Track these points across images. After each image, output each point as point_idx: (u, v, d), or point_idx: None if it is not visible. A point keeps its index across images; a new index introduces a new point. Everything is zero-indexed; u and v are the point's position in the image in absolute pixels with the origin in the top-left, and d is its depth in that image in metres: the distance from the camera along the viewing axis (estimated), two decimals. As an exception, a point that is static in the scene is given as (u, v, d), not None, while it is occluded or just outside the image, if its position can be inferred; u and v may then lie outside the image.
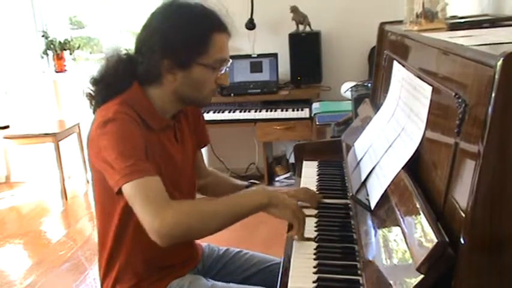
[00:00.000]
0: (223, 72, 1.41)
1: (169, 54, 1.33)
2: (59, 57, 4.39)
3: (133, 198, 1.23)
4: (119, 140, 1.27)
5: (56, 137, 4.05)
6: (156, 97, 1.40)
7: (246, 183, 1.72)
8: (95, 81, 1.43)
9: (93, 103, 1.45)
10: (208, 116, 3.76)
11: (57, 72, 4.43)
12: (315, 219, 1.47)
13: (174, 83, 1.37)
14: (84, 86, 1.45)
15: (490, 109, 0.74)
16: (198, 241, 1.67)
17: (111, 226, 1.43)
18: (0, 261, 3.29)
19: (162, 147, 1.41)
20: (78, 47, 4.50)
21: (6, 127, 4.30)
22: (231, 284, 1.49)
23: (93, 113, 1.43)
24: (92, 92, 1.44)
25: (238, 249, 1.67)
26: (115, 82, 1.39)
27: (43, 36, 4.33)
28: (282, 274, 1.22)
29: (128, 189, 1.23)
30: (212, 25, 1.35)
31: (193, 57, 1.34)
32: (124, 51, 1.44)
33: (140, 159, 1.27)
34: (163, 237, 1.20)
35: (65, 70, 4.45)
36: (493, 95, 0.74)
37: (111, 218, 1.42)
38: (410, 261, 0.88)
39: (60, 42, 4.36)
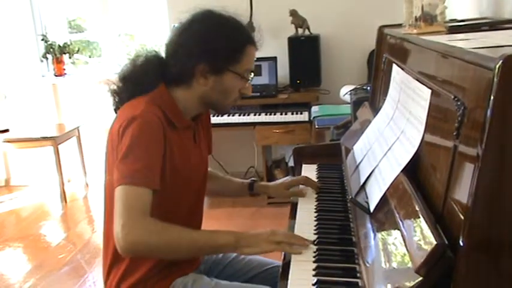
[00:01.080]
0: (249, 82, 1.49)
1: (207, 58, 1.40)
2: (58, 61, 4.40)
3: (117, 201, 1.27)
4: (138, 140, 1.31)
5: (56, 141, 4.05)
6: (181, 98, 1.46)
7: (249, 180, 1.78)
8: (124, 79, 1.48)
9: (116, 100, 1.49)
10: (208, 120, 3.75)
11: (56, 75, 4.44)
12: (315, 223, 1.47)
13: (204, 87, 1.43)
14: (108, 82, 1.50)
15: (489, 112, 0.74)
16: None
17: None
18: (0, 264, 3.28)
19: (183, 146, 1.45)
20: (78, 51, 4.50)
21: (6, 131, 4.30)
22: (234, 283, 1.50)
23: (115, 109, 1.48)
24: (117, 89, 1.49)
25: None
26: (143, 81, 1.45)
27: (42, 39, 4.34)
28: (281, 277, 1.22)
29: (117, 191, 1.28)
30: (248, 37, 1.46)
31: (228, 64, 1.42)
32: (153, 52, 1.49)
33: (147, 166, 1.31)
34: (123, 249, 1.25)
35: (65, 74, 4.45)
36: (492, 97, 0.74)
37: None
38: (410, 263, 0.88)
39: (59, 45, 4.36)
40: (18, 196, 4.46)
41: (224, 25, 1.44)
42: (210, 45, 1.40)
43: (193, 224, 1.55)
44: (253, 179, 1.80)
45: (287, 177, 1.81)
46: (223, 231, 1.36)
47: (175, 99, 1.45)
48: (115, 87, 1.49)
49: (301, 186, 1.74)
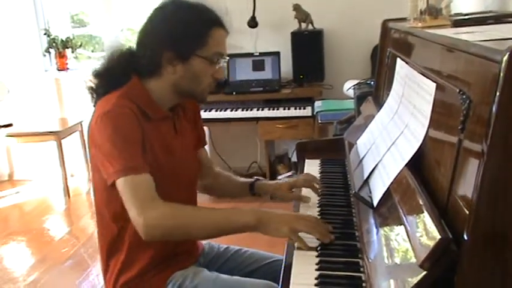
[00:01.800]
0: (220, 66, 1.45)
1: (171, 45, 1.39)
2: (61, 56, 4.39)
3: (124, 193, 1.31)
4: (116, 133, 1.33)
5: (59, 135, 4.05)
6: (155, 89, 1.45)
7: (252, 179, 1.72)
8: (97, 74, 1.49)
9: (94, 96, 1.49)
10: (210, 114, 3.75)
11: (59, 70, 4.43)
12: (318, 217, 1.46)
13: (173, 75, 1.42)
14: (85, 79, 1.51)
15: (495, 105, 0.74)
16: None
17: (111, 218, 1.46)
18: (4, 258, 3.29)
19: (162, 138, 1.45)
20: (80, 45, 4.50)
21: (9, 125, 4.30)
22: (235, 277, 1.49)
23: (94, 106, 1.48)
24: (93, 85, 1.49)
25: (238, 247, 1.68)
26: (116, 75, 1.45)
27: (45, 34, 4.33)
28: (284, 271, 1.22)
29: (120, 184, 1.31)
30: (212, 20, 1.42)
31: (193, 49, 1.39)
32: (126, 46, 1.50)
33: (134, 154, 1.33)
34: (145, 235, 1.29)
35: (67, 68, 4.45)
36: (498, 90, 0.73)
37: (110, 210, 1.45)
38: (413, 257, 0.87)
39: (62, 40, 4.36)
40: (22, 190, 4.47)
41: (185, 10, 1.42)
42: (172, 32, 1.39)
43: None
44: (256, 177, 1.75)
45: (289, 178, 1.74)
46: (244, 210, 1.35)
47: (149, 91, 1.44)
48: (91, 84, 1.49)
49: (303, 190, 1.67)
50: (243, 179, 1.76)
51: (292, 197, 1.69)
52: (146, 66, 1.43)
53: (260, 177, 1.77)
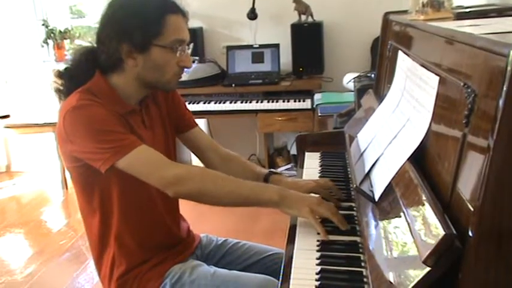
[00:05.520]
0: (184, 53, 1.42)
1: (126, 38, 1.36)
2: (59, 47, 4.37)
3: (134, 168, 1.32)
4: (92, 123, 1.32)
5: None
6: (119, 84, 1.43)
7: (266, 171, 1.63)
8: (59, 75, 1.47)
9: (61, 97, 1.47)
10: (209, 106, 3.74)
11: (57, 61, 4.40)
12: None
13: (136, 68, 1.39)
14: (51, 81, 1.49)
15: (501, 99, 0.72)
16: (196, 231, 1.67)
17: (90, 213, 1.47)
18: (1, 250, 3.29)
19: (131, 130, 1.42)
20: (79, 36, 4.47)
21: (7, 116, 4.29)
22: (233, 271, 1.49)
23: None
24: (59, 86, 1.47)
25: (236, 240, 1.67)
26: (78, 73, 1.43)
27: (43, 25, 4.31)
28: (284, 266, 1.21)
29: (124, 163, 1.31)
30: (164, 6, 1.38)
31: (149, 39, 1.36)
32: (89, 44, 1.48)
33: (121, 132, 1.33)
34: (176, 186, 1.32)
35: (66, 59, 4.41)
36: (505, 84, 0.72)
37: (89, 203, 1.45)
38: (416, 253, 0.86)
39: (60, 31, 4.34)
40: (19, 182, 4.46)
41: (136, 1, 1.39)
42: (126, 24, 1.35)
43: (172, 222, 1.54)
44: (271, 170, 1.65)
45: (308, 181, 1.57)
46: (270, 186, 1.39)
47: (114, 86, 1.42)
48: (56, 85, 1.47)
49: None
50: (258, 168, 1.67)
51: None
52: (107, 62, 1.40)
53: (273, 170, 1.69)
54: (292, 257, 1.23)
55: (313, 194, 1.43)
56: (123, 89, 1.43)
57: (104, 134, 1.31)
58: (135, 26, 1.35)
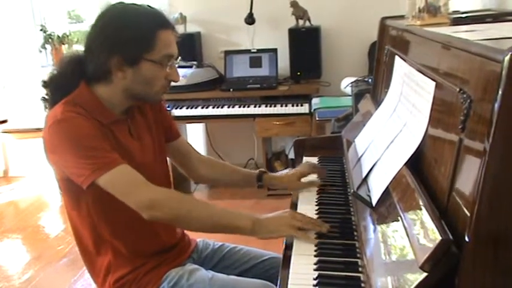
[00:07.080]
0: (172, 68, 1.42)
1: (118, 51, 1.36)
2: (57, 51, 4.36)
3: (113, 187, 1.30)
4: (76, 138, 1.31)
5: (54, 132, 4.03)
6: (104, 95, 1.42)
7: (257, 171, 1.71)
8: (45, 84, 1.47)
9: (47, 106, 1.47)
10: (207, 111, 3.74)
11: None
12: (316, 216, 1.45)
13: (124, 81, 1.39)
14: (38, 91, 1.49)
15: (496, 104, 0.73)
16: (192, 236, 1.67)
17: (81, 224, 1.46)
18: (-2, 256, 3.28)
19: (117, 141, 1.42)
20: (77, 41, 4.46)
21: (5, 121, 4.28)
22: (231, 276, 1.49)
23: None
24: (45, 96, 1.47)
25: (233, 245, 1.67)
26: (63, 83, 1.43)
27: (41, 30, 4.30)
28: (282, 270, 1.21)
29: (103, 181, 1.29)
30: (157, 22, 1.39)
31: (140, 54, 1.36)
32: (76, 53, 1.47)
33: (104, 149, 1.32)
34: (151, 210, 1.30)
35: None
36: (500, 90, 0.72)
37: (78, 213, 1.45)
38: (413, 259, 0.87)
39: (58, 36, 4.33)
40: (17, 187, 4.45)
41: (129, 14, 1.39)
42: (118, 37, 1.36)
43: (164, 229, 1.54)
44: (262, 170, 1.74)
45: (292, 169, 1.74)
46: (242, 214, 1.37)
47: (99, 96, 1.42)
48: (43, 94, 1.47)
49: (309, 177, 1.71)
50: (245, 170, 1.78)
51: (304, 185, 1.69)
52: (94, 72, 1.40)
53: (263, 169, 1.76)
54: (289, 262, 1.23)
55: (286, 210, 1.42)
56: (109, 99, 1.42)
57: (86, 149, 1.30)
58: (128, 39, 1.35)
